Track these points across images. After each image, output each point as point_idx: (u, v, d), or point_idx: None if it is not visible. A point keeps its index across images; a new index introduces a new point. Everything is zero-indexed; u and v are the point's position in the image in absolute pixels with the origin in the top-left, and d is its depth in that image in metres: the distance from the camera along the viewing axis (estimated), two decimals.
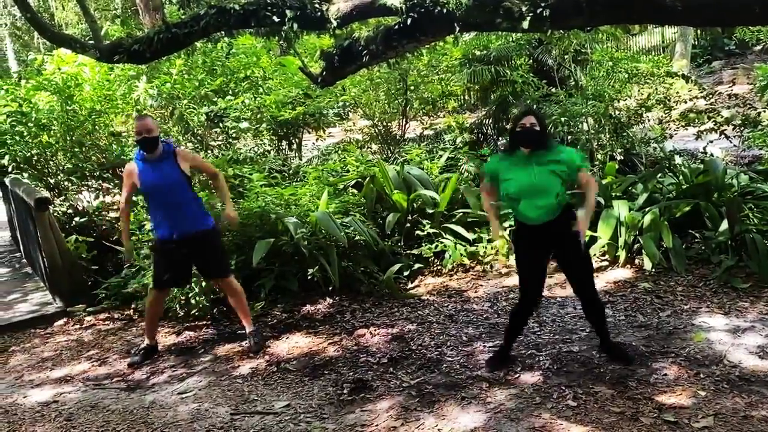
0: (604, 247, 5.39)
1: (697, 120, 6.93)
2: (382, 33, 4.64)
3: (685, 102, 7.46)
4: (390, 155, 8.80)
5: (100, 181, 7.46)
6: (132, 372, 4.27)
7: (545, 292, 4.92)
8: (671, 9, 3.87)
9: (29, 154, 7.06)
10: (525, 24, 4.11)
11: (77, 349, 4.79)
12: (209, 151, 8.24)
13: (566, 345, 3.98)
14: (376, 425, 3.24)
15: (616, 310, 4.46)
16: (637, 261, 5.27)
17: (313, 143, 10.38)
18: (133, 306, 5.45)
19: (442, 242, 5.83)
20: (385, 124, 9.66)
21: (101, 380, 4.19)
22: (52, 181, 7.33)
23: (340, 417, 3.37)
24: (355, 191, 6.55)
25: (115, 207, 7.39)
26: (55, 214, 6.55)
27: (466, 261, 5.72)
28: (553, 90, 7.81)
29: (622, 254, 5.31)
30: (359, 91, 9.35)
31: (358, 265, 5.49)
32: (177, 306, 5.07)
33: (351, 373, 3.88)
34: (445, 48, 9.00)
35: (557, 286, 5.04)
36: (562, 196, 3.45)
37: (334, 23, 4.60)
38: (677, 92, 7.66)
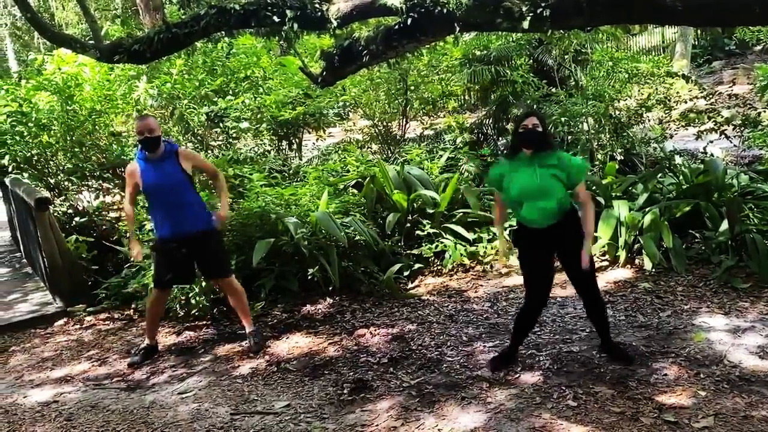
0: (604, 247, 5.39)
1: (697, 120, 6.93)
2: (382, 33, 4.64)
3: (686, 102, 7.46)
4: (390, 155, 8.80)
5: (101, 181, 7.46)
6: (132, 372, 4.27)
7: None
8: (671, 9, 3.87)
9: (29, 154, 7.06)
10: (525, 24, 4.11)
11: (77, 349, 4.80)
12: (209, 151, 8.24)
13: (566, 345, 3.98)
14: (377, 425, 3.24)
15: (616, 310, 4.46)
16: (637, 261, 5.27)
17: (314, 143, 10.38)
18: (133, 306, 5.45)
19: (442, 242, 5.83)
20: (385, 124, 9.65)
21: (101, 380, 4.19)
22: (52, 181, 7.33)
23: (341, 417, 3.37)
24: (356, 191, 6.55)
25: (115, 207, 7.39)
26: (56, 214, 6.55)
27: (466, 261, 5.72)
28: (554, 90, 7.81)
29: (622, 254, 5.31)
30: (359, 91, 9.35)
31: (359, 265, 5.49)
32: (177, 306, 5.07)
33: (351, 373, 3.88)
34: (446, 48, 9.00)
35: (557, 286, 5.03)
36: (564, 200, 3.44)
37: (335, 23, 4.60)
38: (677, 92, 7.66)
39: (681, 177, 6.11)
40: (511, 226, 4.22)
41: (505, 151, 7.13)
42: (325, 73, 5.09)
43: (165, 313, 4.95)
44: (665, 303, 4.52)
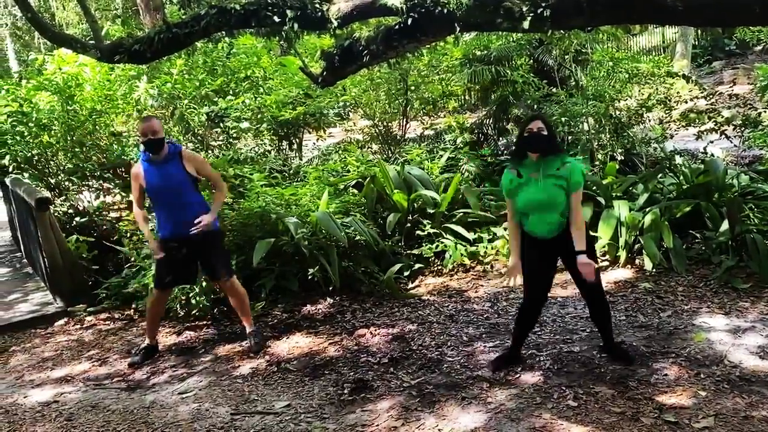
0: (604, 247, 5.39)
1: (697, 120, 6.93)
2: (382, 33, 4.63)
3: (686, 102, 7.46)
4: (390, 155, 8.80)
5: (101, 181, 7.47)
6: (132, 372, 4.27)
7: None
8: (672, 9, 3.86)
9: (30, 154, 7.06)
10: (525, 24, 4.11)
11: (78, 349, 4.80)
12: (210, 151, 8.24)
13: (567, 345, 3.98)
14: (377, 425, 3.25)
15: (616, 310, 4.46)
16: (637, 261, 5.28)
17: (314, 143, 10.38)
18: (133, 306, 5.45)
19: (442, 242, 5.84)
20: (385, 124, 9.65)
21: (102, 380, 4.20)
22: (52, 181, 7.34)
23: (341, 417, 3.37)
24: (356, 191, 6.55)
25: (115, 207, 7.40)
26: (56, 214, 6.56)
27: (467, 261, 5.72)
28: (554, 90, 7.80)
29: (622, 254, 5.31)
30: (360, 91, 9.35)
31: (359, 265, 5.49)
32: (177, 306, 5.08)
33: (351, 373, 3.88)
34: (446, 48, 9.00)
35: (557, 286, 5.04)
36: (569, 210, 3.43)
37: (335, 23, 4.60)
38: (678, 92, 7.66)
39: (681, 177, 6.11)
40: None
41: (508, 156, 7.11)
42: (325, 73, 5.08)
43: (165, 313, 4.95)
44: (666, 303, 4.52)
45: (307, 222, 5.49)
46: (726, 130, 6.77)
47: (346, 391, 3.65)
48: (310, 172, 6.91)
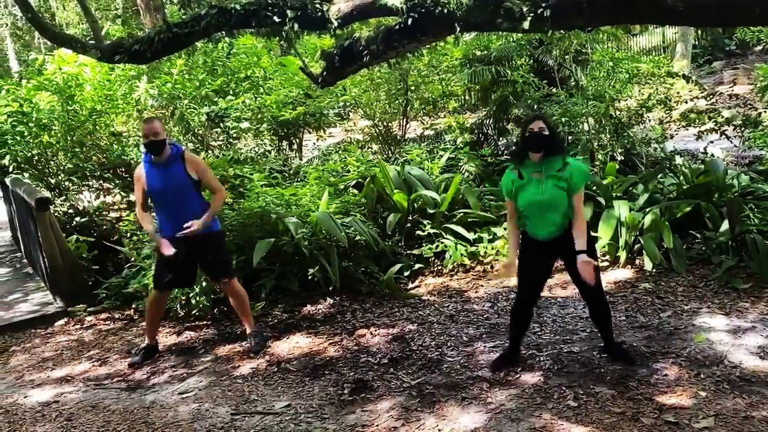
0: (604, 247, 5.39)
1: (697, 120, 6.92)
2: (382, 33, 4.63)
3: (686, 102, 7.46)
4: (390, 155, 8.79)
5: (101, 182, 7.47)
6: (132, 372, 4.27)
7: (546, 293, 4.94)
8: (672, 9, 3.86)
9: (30, 154, 7.06)
10: (526, 24, 4.11)
11: (78, 349, 4.80)
12: (210, 151, 8.24)
13: (567, 345, 3.98)
14: (377, 425, 3.25)
15: (616, 310, 4.46)
16: (637, 261, 5.27)
17: (314, 143, 10.37)
18: (133, 306, 5.45)
19: (442, 242, 5.83)
20: (385, 124, 9.65)
21: (102, 380, 4.20)
22: (52, 181, 7.34)
23: (341, 417, 3.37)
24: (356, 191, 6.55)
25: (115, 207, 7.40)
26: (56, 214, 6.56)
27: (467, 261, 5.72)
28: (554, 90, 7.80)
29: (622, 254, 5.31)
30: (360, 91, 9.34)
31: (359, 265, 5.49)
32: (178, 306, 5.08)
33: (351, 374, 3.88)
34: (446, 48, 8.99)
35: (557, 286, 5.04)
36: (571, 211, 3.42)
37: (335, 23, 4.60)
38: (678, 92, 7.65)
39: (681, 177, 6.11)
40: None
41: (509, 156, 7.11)
42: (325, 73, 5.09)
43: (165, 313, 4.95)
44: (666, 303, 4.52)
45: (307, 222, 5.49)
46: (726, 130, 6.76)
47: (346, 392, 3.65)
48: (310, 172, 6.91)
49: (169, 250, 4.11)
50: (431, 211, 6.15)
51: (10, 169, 7.02)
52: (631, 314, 4.39)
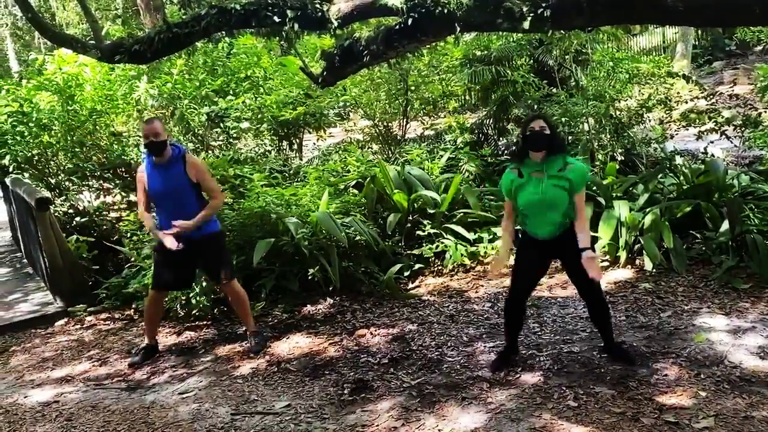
0: (604, 247, 5.39)
1: (697, 120, 6.93)
2: (382, 33, 4.63)
3: (686, 102, 7.46)
4: (391, 155, 8.79)
5: (101, 182, 7.47)
6: (132, 372, 4.27)
7: (546, 293, 4.95)
8: (672, 9, 3.87)
9: (30, 154, 7.06)
10: (526, 24, 4.11)
11: (78, 349, 4.80)
12: (210, 151, 8.24)
13: (567, 345, 3.98)
14: (377, 425, 3.24)
15: (616, 310, 4.46)
16: (637, 261, 5.27)
17: (314, 143, 10.38)
18: (133, 306, 5.45)
19: (442, 242, 5.83)
20: (385, 124, 9.65)
21: (102, 380, 4.20)
22: (52, 181, 7.34)
23: (341, 417, 3.37)
24: (356, 191, 6.55)
25: (115, 207, 7.40)
26: (56, 214, 6.56)
27: (467, 261, 5.72)
28: (554, 90, 7.80)
29: (622, 255, 5.30)
30: (360, 91, 9.34)
31: (359, 265, 5.49)
32: (178, 306, 5.08)
33: (352, 374, 3.88)
34: (446, 48, 8.99)
35: (557, 286, 5.04)
36: (570, 210, 3.41)
37: (335, 23, 4.60)
38: (678, 92, 7.65)
39: (681, 177, 6.11)
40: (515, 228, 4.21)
41: (510, 156, 7.11)
42: (325, 73, 5.09)
43: (165, 313, 4.96)
44: (666, 303, 4.52)
45: (307, 222, 5.49)
46: (726, 130, 6.76)
47: (346, 392, 3.65)
48: (311, 173, 6.90)
49: (173, 243, 4.05)
50: (431, 211, 6.15)
51: (11, 169, 7.02)
52: (631, 314, 4.39)
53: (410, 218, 6.16)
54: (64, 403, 3.86)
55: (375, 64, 5.85)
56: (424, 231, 5.94)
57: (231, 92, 8.54)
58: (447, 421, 3.21)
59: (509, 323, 3.77)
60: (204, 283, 4.98)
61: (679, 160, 7.01)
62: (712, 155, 6.99)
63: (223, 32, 5.07)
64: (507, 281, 5.31)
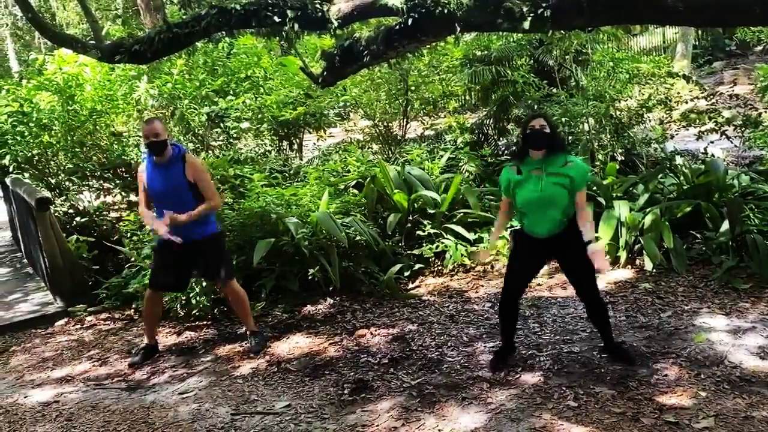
0: (605, 247, 5.39)
1: (698, 120, 6.93)
2: (383, 33, 4.63)
3: (686, 102, 7.46)
4: (391, 155, 8.79)
5: (101, 182, 7.47)
6: (133, 372, 4.27)
7: (546, 293, 4.95)
8: (672, 9, 3.87)
9: (30, 154, 7.07)
10: (526, 24, 4.11)
11: (78, 349, 4.80)
12: (210, 152, 8.25)
13: (567, 345, 3.98)
14: (377, 425, 3.24)
15: (616, 310, 4.46)
16: (637, 261, 5.27)
17: (314, 143, 10.38)
18: (134, 306, 5.45)
19: (442, 242, 5.83)
20: (385, 124, 9.65)
21: (102, 380, 4.20)
22: (53, 181, 7.34)
23: (341, 417, 3.37)
24: (356, 191, 6.55)
25: (115, 207, 7.40)
26: (56, 214, 6.56)
27: (467, 261, 5.71)
28: (554, 90, 7.80)
29: (622, 255, 5.30)
30: (360, 92, 9.34)
31: (359, 265, 5.49)
32: (178, 306, 5.08)
33: (352, 374, 3.88)
34: (446, 48, 8.99)
35: (558, 286, 5.04)
36: (569, 208, 3.42)
37: (335, 23, 4.60)
38: (678, 93, 7.65)
39: (682, 177, 6.11)
40: (512, 226, 4.21)
41: (509, 155, 7.11)
42: (325, 73, 5.09)
43: (165, 313, 4.95)
44: (666, 303, 4.52)
45: (307, 222, 5.49)
46: (726, 130, 6.76)
47: (346, 392, 3.65)
48: (311, 173, 6.90)
49: (164, 231, 4.02)
50: (431, 211, 6.15)
51: (11, 169, 7.02)
52: (632, 314, 4.39)
53: (410, 218, 6.16)
54: (64, 403, 3.86)
55: (375, 64, 5.85)
56: (424, 231, 5.94)
57: (231, 92, 8.54)
58: (447, 421, 3.21)
59: (504, 322, 3.77)
60: (204, 283, 4.98)
61: (679, 160, 7.01)
62: (713, 155, 6.99)
63: (224, 32, 5.07)
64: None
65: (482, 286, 5.35)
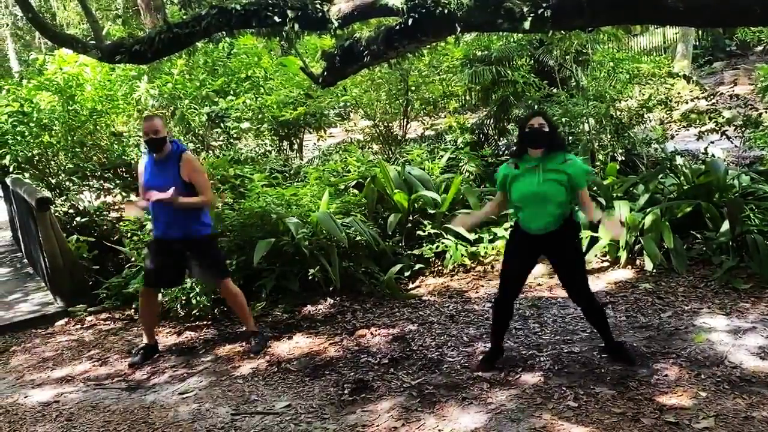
0: (605, 247, 5.39)
1: (698, 121, 6.92)
2: (383, 33, 4.63)
3: (687, 102, 7.46)
4: (391, 155, 8.79)
5: (102, 182, 7.47)
6: (133, 372, 4.27)
7: (546, 293, 4.95)
8: (673, 9, 3.87)
9: (30, 154, 7.07)
10: (526, 25, 4.11)
11: (78, 349, 4.80)
12: (210, 152, 8.25)
13: (567, 345, 3.98)
14: (377, 426, 3.24)
15: (617, 310, 4.46)
16: (638, 262, 5.27)
17: (315, 143, 10.38)
18: (134, 306, 5.44)
19: (443, 242, 5.83)
20: (386, 124, 9.65)
21: (102, 380, 4.20)
22: (53, 181, 7.34)
23: (341, 417, 3.37)
24: (356, 191, 6.55)
25: (115, 207, 7.40)
26: (56, 214, 6.56)
27: (467, 261, 5.71)
28: (555, 90, 7.80)
29: (623, 255, 5.30)
30: (360, 92, 9.34)
31: (359, 265, 5.49)
32: (178, 306, 5.08)
33: (352, 374, 3.88)
34: (447, 48, 8.99)
35: (558, 286, 5.03)
36: (565, 207, 3.42)
37: (335, 23, 4.60)
38: (678, 93, 7.65)
39: (682, 177, 6.11)
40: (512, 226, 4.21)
41: (509, 155, 7.12)
42: (326, 73, 5.08)
43: (165, 313, 4.96)
44: (666, 303, 4.52)
45: (307, 222, 5.49)
46: (727, 130, 6.76)
47: (346, 392, 3.65)
48: (311, 173, 6.90)
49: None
50: (432, 212, 6.15)
51: (11, 169, 7.03)
52: (632, 314, 4.39)
53: (410, 218, 6.16)
54: (65, 403, 3.86)
55: (375, 65, 5.85)
56: (424, 231, 5.94)
57: (231, 92, 8.55)
58: (447, 422, 3.21)
59: (496, 323, 3.76)
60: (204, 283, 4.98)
61: (679, 160, 7.01)
62: (713, 155, 6.99)
63: (224, 32, 5.07)
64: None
65: (482, 286, 5.35)
